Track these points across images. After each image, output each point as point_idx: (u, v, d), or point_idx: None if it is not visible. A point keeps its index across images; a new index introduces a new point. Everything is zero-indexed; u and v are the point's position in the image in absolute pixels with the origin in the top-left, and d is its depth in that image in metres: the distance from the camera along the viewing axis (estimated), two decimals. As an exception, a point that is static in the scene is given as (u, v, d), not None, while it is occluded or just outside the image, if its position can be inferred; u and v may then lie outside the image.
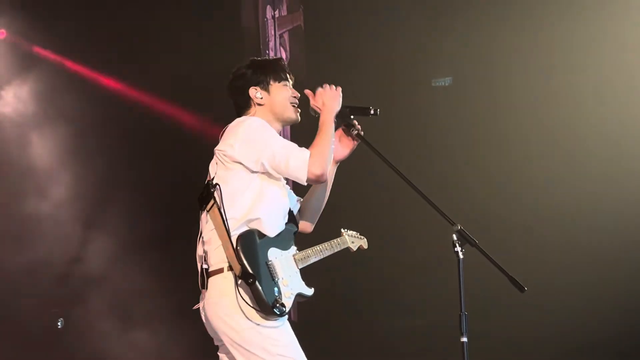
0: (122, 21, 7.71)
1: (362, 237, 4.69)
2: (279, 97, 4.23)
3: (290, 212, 4.19)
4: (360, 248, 4.66)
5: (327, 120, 4.14)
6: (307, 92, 4.26)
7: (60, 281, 7.52)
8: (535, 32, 7.74)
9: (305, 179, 4.01)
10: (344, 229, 4.60)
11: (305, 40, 7.95)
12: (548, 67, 7.73)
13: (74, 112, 7.53)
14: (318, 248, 4.31)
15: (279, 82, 4.24)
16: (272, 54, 8.22)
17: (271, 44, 8.31)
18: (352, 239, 4.60)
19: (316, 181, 4.05)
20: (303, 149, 4.02)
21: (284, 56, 8.25)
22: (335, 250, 4.45)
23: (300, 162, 3.96)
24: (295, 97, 4.26)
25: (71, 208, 7.53)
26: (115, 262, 7.63)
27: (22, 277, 7.27)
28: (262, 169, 4.01)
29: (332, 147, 4.14)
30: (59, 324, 7.55)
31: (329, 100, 4.18)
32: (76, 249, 7.61)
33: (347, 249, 4.59)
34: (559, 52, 7.71)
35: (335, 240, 4.48)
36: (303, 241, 4.30)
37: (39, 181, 7.41)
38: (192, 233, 4.19)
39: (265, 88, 4.23)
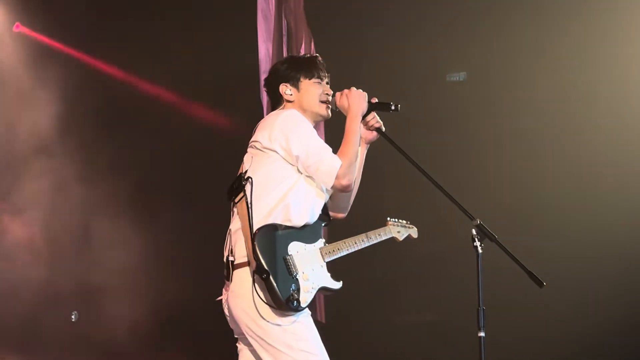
0: (137, 19, 7.73)
1: (411, 225, 4.66)
2: (309, 94, 4.26)
3: (323, 205, 4.21)
4: (409, 237, 4.63)
5: (353, 127, 4.17)
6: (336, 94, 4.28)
7: (75, 274, 7.52)
8: (551, 28, 7.72)
9: (331, 186, 4.06)
10: (390, 217, 4.58)
11: (316, 36, 7.93)
12: (564, 63, 7.70)
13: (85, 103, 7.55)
14: (352, 240, 4.29)
15: (309, 79, 4.27)
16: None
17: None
18: (397, 229, 4.56)
19: (341, 190, 4.12)
20: (335, 156, 4.05)
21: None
22: (375, 242, 4.41)
23: (330, 169, 4.02)
24: (327, 94, 4.28)
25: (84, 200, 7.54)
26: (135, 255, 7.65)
27: (34, 269, 7.28)
28: (295, 162, 4.05)
29: (359, 155, 4.19)
30: (72, 317, 7.54)
31: (354, 102, 4.20)
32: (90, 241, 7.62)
33: (393, 239, 4.55)
34: (575, 48, 7.68)
35: (375, 231, 4.44)
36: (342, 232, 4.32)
37: (58, 177, 7.41)
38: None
39: (295, 85, 4.26)
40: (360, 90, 4.25)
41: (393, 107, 4.25)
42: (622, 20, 7.63)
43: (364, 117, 4.25)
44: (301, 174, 4.08)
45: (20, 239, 7.25)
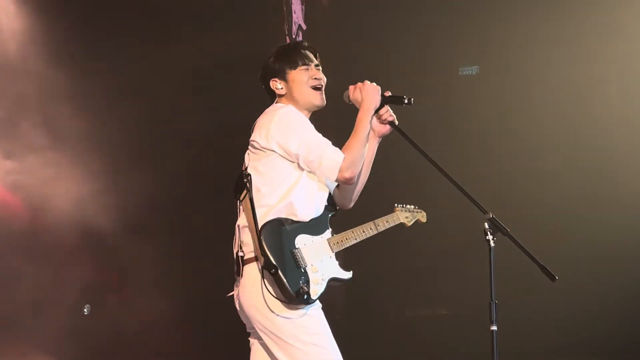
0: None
1: (419, 210, 4.61)
2: (296, 83, 4.23)
3: (329, 196, 4.21)
4: (418, 222, 4.58)
5: (364, 120, 4.15)
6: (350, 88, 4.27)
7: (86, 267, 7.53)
8: (563, 21, 7.71)
9: (334, 179, 4.06)
10: (398, 204, 4.54)
11: (332, 30, 7.95)
12: (577, 56, 7.70)
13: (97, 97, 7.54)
14: (360, 229, 4.26)
15: (294, 69, 4.24)
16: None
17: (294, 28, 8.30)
18: (405, 214, 4.51)
19: (344, 183, 4.11)
20: (337, 150, 4.05)
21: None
22: (383, 229, 4.36)
23: (333, 163, 4.01)
24: (316, 78, 4.25)
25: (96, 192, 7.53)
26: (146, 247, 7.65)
27: (45, 262, 7.29)
28: (296, 160, 4.05)
29: (366, 148, 4.16)
30: (85, 310, 7.53)
31: (368, 95, 4.19)
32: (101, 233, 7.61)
33: (402, 225, 4.50)
34: (588, 41, 7.68)
35: (383, 219, 4.39)
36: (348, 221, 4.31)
37: (64, 170, 7.40)
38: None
39: (283, 77, 4.25)
40: (374, 83, 4.24)
41: (406, 101, 4.23)
42: (635, 12, 7.62)
43: (377, 110, 4.24)
44: (302, 170, 4.07)
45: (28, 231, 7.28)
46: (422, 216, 4.62)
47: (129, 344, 7.50)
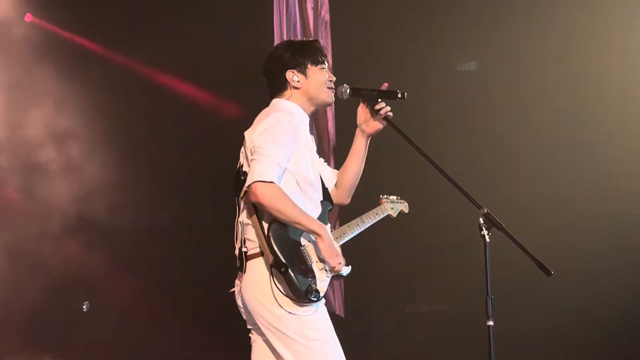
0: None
1: (402, 200, 4.65)
2: (316, 81, 4.20)
3: (325, 190, 4.18)
4: (401, 213, 4.63)
5: (310, 224, 3.91)
6: None
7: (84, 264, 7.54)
8: (563, 17, 7.72)
9: (246, 185, 3.89)
10: (383, 195, 4.58)
11: (330, 24, 7.93)
12: (575, 53, 7.70)
13: (96, 94, 7.55)
14: (354, 223, 4.30)
15: (316, 66, 4.21)
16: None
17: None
18: (391, 205, 4.57)
19: (250, 196, 3.88)
20: (273, 173, 3.84)
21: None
22: (374, 221, 4.42)
23: (257, 174, 3.83)
24: (331, 80, 4.25)
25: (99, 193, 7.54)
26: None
27: (45, 260, 7.30)
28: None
29: (294, 217, 3.91)
30: (84, 307, 7.55)
31: (326, 251, 3.96)
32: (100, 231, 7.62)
33: (388, 217, 4.58)
34: (587, 38, 7.68)
35: (372, 211, 4.45)
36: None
37: (65, 169, 7.41)
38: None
39: (303, 72, 4.19)
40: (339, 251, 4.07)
41: (400, 95, 4.22)
42: (633, 10, 7.62)
43: (372, 105, 4.23)
44: (291, 175, 3.99)
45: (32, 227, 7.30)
46: (405, 207, 4.70)
47: (130, 342, 7.52)
